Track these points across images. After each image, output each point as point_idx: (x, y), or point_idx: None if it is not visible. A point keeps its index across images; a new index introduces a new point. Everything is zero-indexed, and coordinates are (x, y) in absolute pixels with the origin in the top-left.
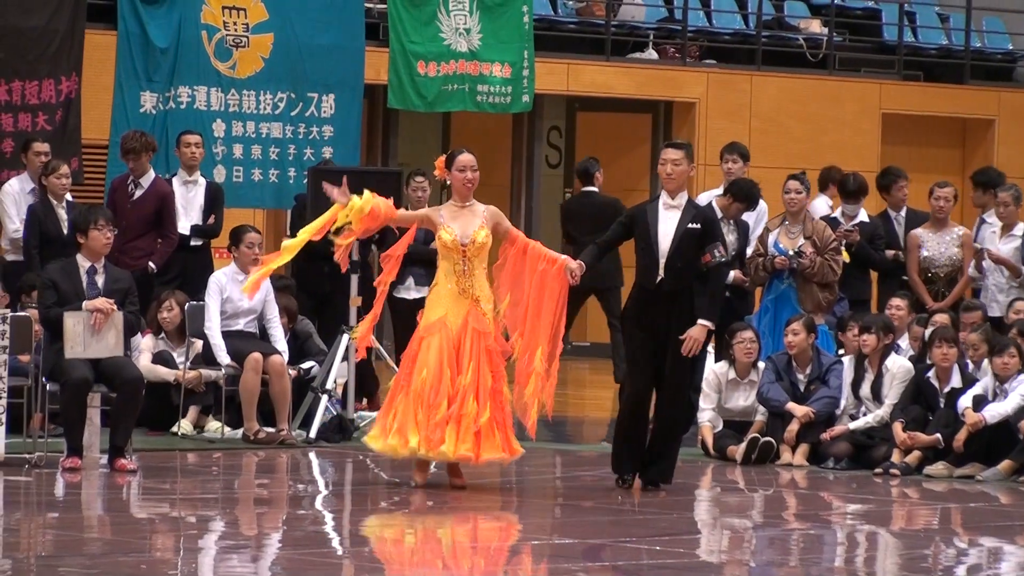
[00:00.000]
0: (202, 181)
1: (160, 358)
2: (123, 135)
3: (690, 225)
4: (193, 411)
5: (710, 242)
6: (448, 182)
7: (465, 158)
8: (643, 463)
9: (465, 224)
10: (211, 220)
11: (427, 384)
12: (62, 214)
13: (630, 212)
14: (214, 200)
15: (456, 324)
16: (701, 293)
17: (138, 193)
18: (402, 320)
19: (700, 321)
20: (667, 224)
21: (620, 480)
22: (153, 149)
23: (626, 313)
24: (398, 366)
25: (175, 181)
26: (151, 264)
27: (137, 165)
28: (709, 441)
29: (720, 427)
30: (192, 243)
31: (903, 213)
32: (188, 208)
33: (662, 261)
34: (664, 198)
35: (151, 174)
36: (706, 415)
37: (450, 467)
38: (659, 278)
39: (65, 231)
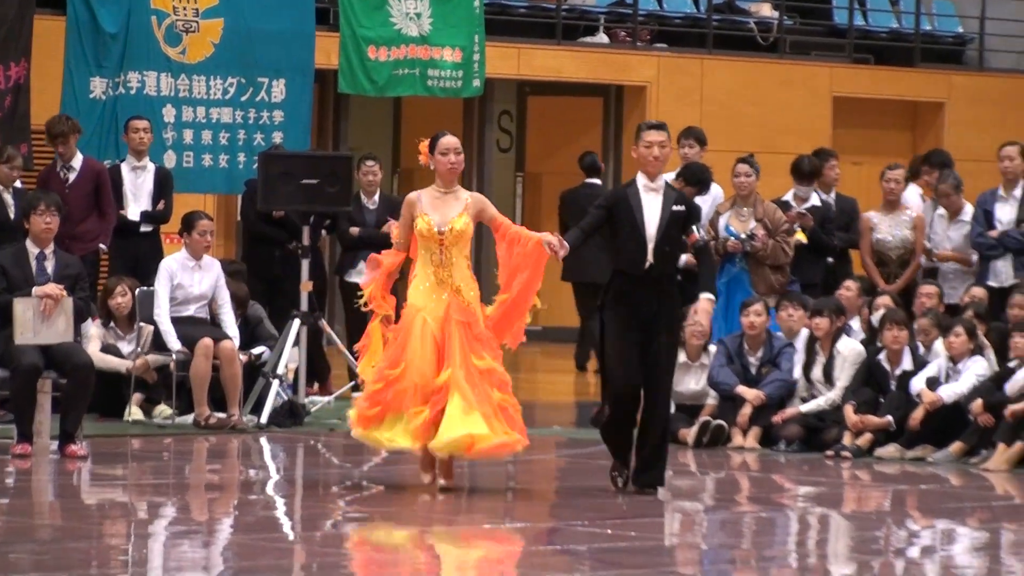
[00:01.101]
0: (151, 166)
1: (108, 350)
2: (47, 121)
3: (675, 208)
4: (137, 396)
5: (693, 222)
6: (432, 167)
7: (448, 140)
8: (636, 465)
9: (445, 211)
10: (161, 205)
11: (405, 381)
12: (8, 199)
13: (609, 197)
14: (163, 185)
15: (437, 317)
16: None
17: (72, 176)
18: (353, 307)
19: (703, 296)
20: (651, 209)
21: (617, 480)
22: (79, 131)
23: (608, 301)
24: (350, 351)
25: (124, 167)
26: (101, 245)
27: (66, 149)
28: None
29: (672, 410)
30: (142, 229)
31: (832, 195)
32: (137, 194)
33: (650, 246)
34: (643, 181)
35: (79, 156)
36: None
37: (441, 465)
38: (648, 263)
39: (12, 216)
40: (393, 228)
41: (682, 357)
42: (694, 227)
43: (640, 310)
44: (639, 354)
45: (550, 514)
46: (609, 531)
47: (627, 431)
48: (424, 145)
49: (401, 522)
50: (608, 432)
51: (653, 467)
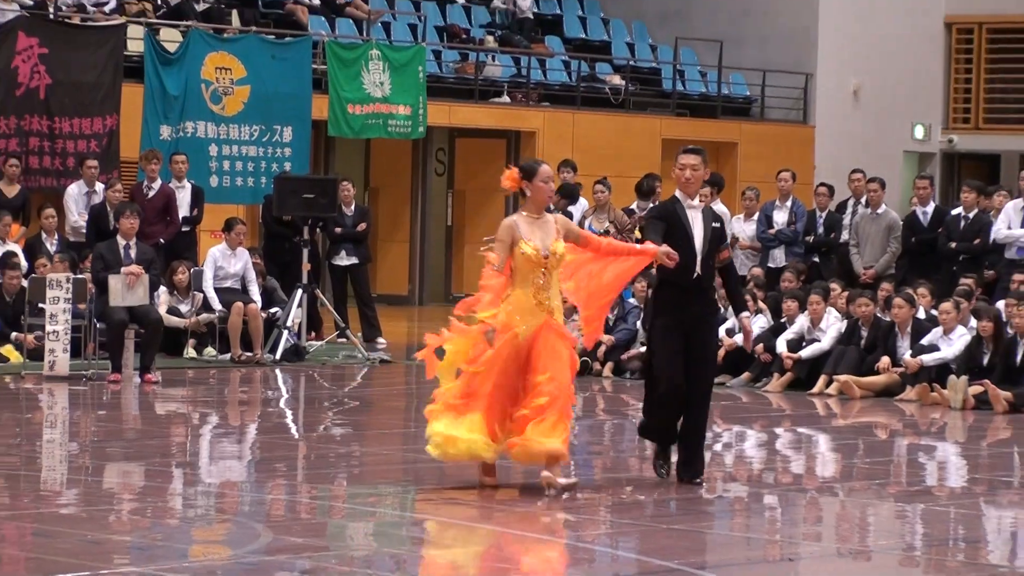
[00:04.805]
0: (188, 185)
1: (172, 310)
2: (145, 151)
3: (714, 224)
4: (191, 341)
5: (724, 239)
6: (526, 192)
7: (547, 169)
8: (681, 457)
9: (543, 236)
10: (195, 212)
11: (493, 388)
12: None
13: (661, 211)
14: (197, 199)
15: (528, 334)
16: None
17: (151, 193)
18: (337, 281)
19: (742, 315)
20: (697, 224)
21: (661, 470)
22: (160, 159)
23: (657, 309)
24: (335, 310)
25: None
26: (162, 240)
27: (155, 168)
28: None
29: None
30: (183, 229)
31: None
32: (179, 205)
33: (699, 258)
34: (685, 200)
35: (159, 180)
36: None
37: (485, 466)
38: (696, 274)
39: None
40: (491, 255)
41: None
42: (725, 245)
43: (686, 316)
44: (683, 357)
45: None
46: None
47: (671, 428)
48: (515, 173)
49: (372, 426)
50: (651, 430)
51: (697, 459)
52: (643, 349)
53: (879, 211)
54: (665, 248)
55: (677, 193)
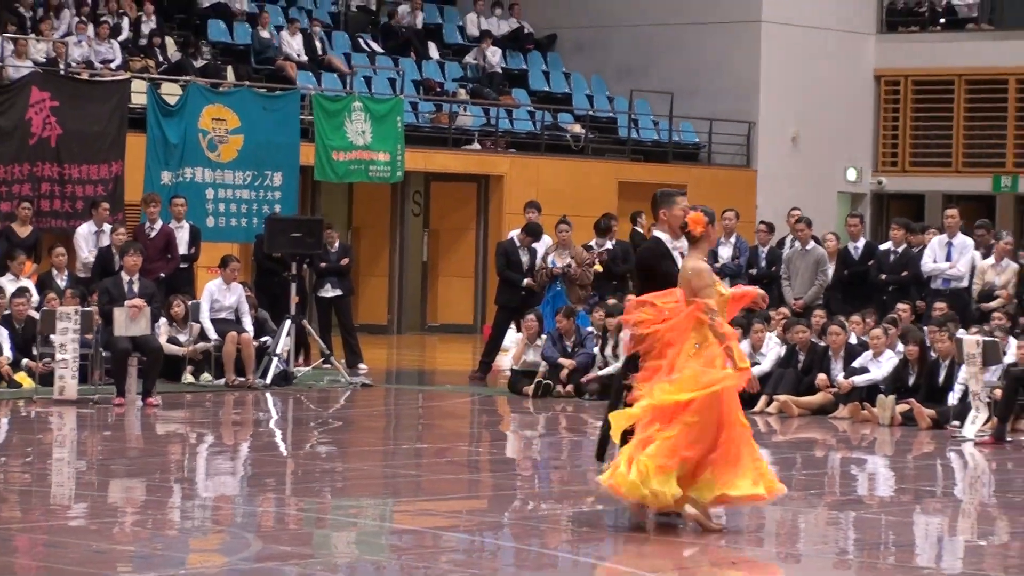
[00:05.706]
0: (186, 225)
1: (171, 340)
2: (145, 195)
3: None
4: (189, 368)
5: None
6: (707, 235)
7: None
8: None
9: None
10: (193, 250)
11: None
12: (114, 252)
13: (660, 252)
14: (194, 238)
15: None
16: None
17: (153, 233)
18: (323, 311)
19: None
20: (679, 263)
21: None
22: (160, 202)
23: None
24: (322, 338)
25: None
26: (163, 275)
27: (154, 210)
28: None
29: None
30: (182, 265)
31: (614, 241)
32: (179, 243)
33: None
34: (673, 242)
35: (159, 221)
36: (508, 367)
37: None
38: None
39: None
40: (711, 302)
41: (525, 340)
42: None
43: None
44: None
45: (425, 436)
46: (480, 447)
47: None
48: (702, 217)
49: (354, 444)
50: None
51: None
52: (600, 372)
53: (807, 247)
54: (762, 291)
55: (659, 234)
